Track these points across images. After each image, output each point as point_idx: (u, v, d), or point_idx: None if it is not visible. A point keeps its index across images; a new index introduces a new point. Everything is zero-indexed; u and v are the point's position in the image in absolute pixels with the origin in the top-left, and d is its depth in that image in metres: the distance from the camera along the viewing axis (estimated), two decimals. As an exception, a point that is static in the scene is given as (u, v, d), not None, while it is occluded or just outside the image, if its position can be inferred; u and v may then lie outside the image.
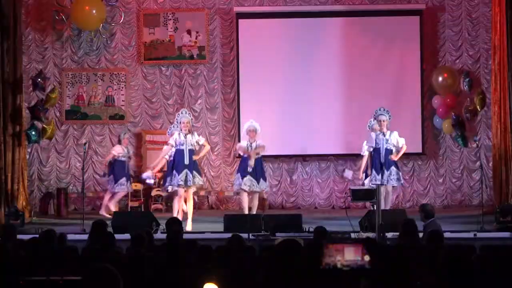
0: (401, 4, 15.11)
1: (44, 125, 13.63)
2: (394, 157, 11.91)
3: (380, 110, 12.15)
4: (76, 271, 5.13)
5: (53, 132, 14.03)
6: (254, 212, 12.11)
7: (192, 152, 11.64)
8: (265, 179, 12.44)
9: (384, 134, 11.98)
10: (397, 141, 12.01)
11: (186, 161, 11.56)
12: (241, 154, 12.63)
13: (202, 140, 11.95)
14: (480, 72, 15.03)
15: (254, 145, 12.18)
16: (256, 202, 12.26)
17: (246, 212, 12.04)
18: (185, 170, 11.55)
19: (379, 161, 11.89)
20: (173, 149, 11.73)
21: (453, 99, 14.68)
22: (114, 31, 15.24)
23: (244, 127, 12.72)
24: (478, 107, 13.09)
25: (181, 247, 7.00)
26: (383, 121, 12.00)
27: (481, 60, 15.03)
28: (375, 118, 12.20)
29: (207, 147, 12.36)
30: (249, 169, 12.01)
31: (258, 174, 12.16)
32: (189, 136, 11.66)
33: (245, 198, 12.16)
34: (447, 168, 15.10)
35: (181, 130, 11.68)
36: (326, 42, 14.97)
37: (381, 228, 9.26)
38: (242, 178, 12.08)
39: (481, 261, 4.79)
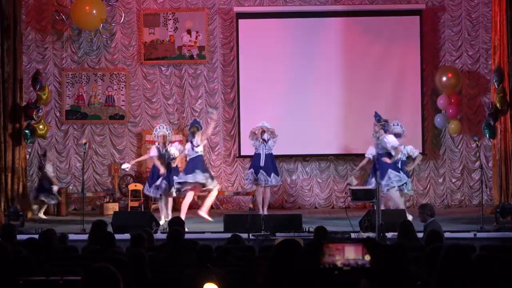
0: (401, 4, 15.12)
1: (33, 125, 13.59)
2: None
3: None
4: (76, 271, 5.13)
5: (46, 131, 13.97)
6: (267, 204, 12.89)
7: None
8: (277, 174, 13.04)
9: None
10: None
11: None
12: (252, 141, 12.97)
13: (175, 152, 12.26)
14: (480, 72, 15.04)
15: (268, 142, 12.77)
16: (268, 195, 13.02)
17: (260, 207, 12.69)
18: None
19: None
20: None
21: (457, 99, 14.69)
22: (114, 31, 15.25)
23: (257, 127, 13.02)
24: (498, 104, 13.01)
25: (181, 247, 7.01)
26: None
27: (480, 60, 15.03)
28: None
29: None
30: (262, 163, 12.63)
31: (270, 169, 12.74)
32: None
33: (259, 191, 12.82)
34: (447, 168, 15.11)
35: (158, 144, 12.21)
36: (326, 42, 14.97)
37: (381, 228, 9.26)
38: (256, 174, 12.69)
39: (481, 261, 4.79)
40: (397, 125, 12.18)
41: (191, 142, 11.92)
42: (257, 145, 12.80)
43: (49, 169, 13.95)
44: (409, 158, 12.23)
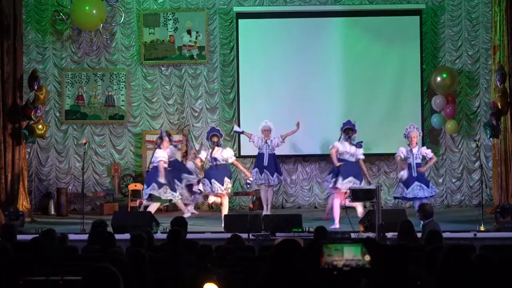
0: (401, 4, 15.12)
1: (32, 125, 13.57)
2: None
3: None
4: (76, 271, 5.13)
5: (45, 131, 13.93)
6: (271, 204, 13.05)
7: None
8: (280, 173, 13.13)
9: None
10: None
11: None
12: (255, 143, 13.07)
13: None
14: (480, 72, 15.04)
15: (269, 142, 12.88)
16: (271, 195, 13.18)
17: (265, 205, 12.93)
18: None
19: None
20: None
21: (454, 98, 14.70)
22: (114, 31, 15.24)
23: (259, 127, 13.05)
24: (498, 104, 13.03)
25: (181, 247, 7.01)
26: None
27: (480, 60, 15.03)
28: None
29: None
30: (265, 163, 12.81)
31: (273, 169, 12.87)
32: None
33: (263, 191, 13.02)
34: (447, 168, 15.11)
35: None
36: (326, 42, 14.97)
37: (381, 228, 9.25)
38: (261, 174, 12.83)
39: (481, 261, 4.79)
40: (414, 128, 12.38)
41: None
42: (260, 145, 12.88)
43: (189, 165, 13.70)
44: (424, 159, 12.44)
